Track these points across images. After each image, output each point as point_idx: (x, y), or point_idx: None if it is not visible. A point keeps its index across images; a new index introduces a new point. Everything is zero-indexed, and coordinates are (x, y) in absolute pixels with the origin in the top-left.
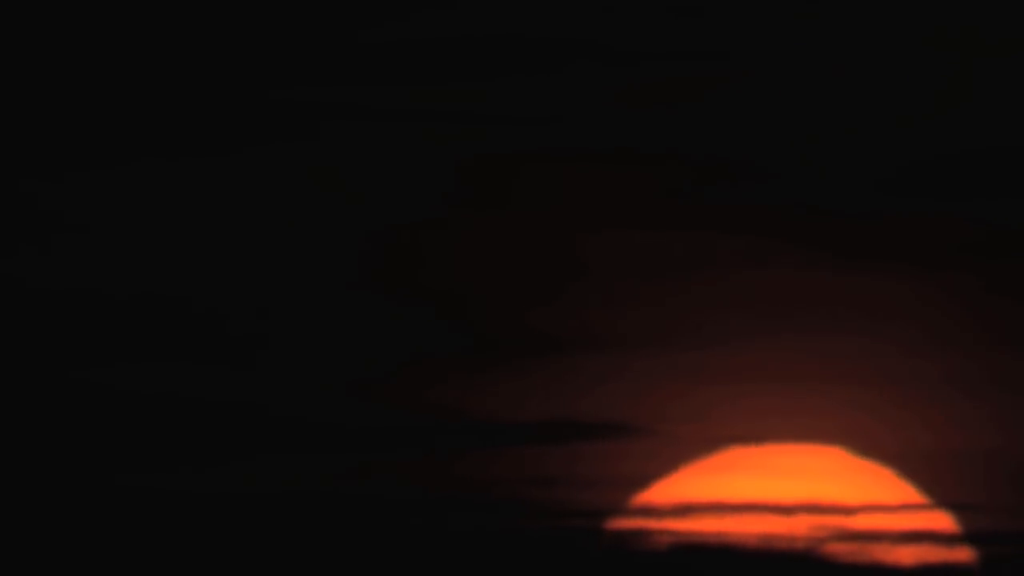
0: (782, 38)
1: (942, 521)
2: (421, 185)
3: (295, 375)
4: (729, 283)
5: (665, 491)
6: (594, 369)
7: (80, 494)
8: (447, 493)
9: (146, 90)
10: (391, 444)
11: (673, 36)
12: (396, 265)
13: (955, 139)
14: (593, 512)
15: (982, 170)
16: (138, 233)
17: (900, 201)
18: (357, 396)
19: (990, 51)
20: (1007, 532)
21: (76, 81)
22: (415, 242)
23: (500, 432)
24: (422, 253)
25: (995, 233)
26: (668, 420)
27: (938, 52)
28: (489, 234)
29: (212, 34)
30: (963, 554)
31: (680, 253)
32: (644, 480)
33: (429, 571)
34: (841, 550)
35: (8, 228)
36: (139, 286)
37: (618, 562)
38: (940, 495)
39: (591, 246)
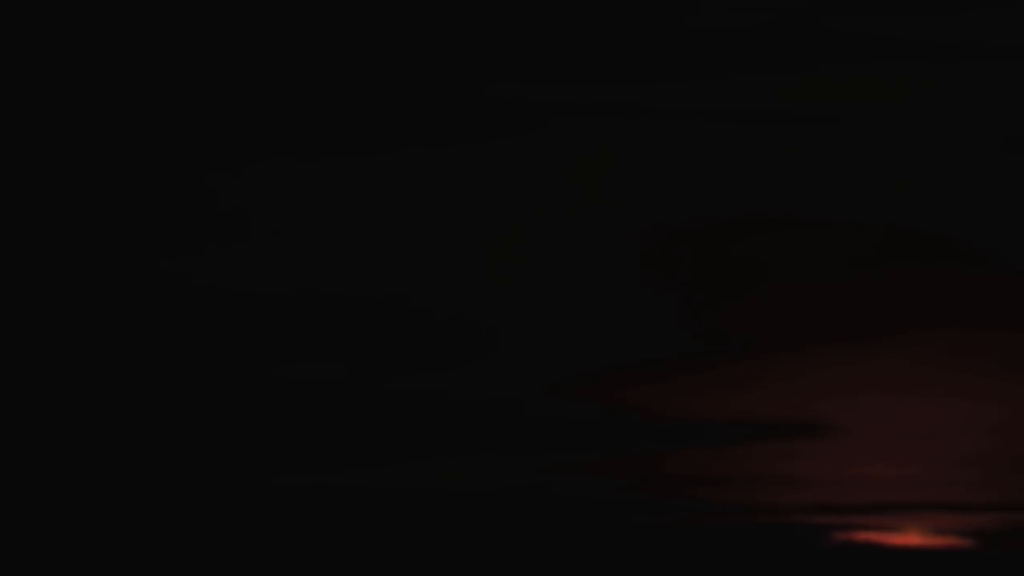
0: None
1: None
2: (674, 186)
3: (504, 374)
4: (912, 283)
5: (844, 489)
6: (777, 369)
7: (276, 492)
8: (636, 492)
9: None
10: (585, 443)
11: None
12: (629, 267)
13: None
14: (773, 510)
15: None
16: (354, 230)
17: None
18: (561, 395)
19: None
20: None
21: (301, 71)
22: (654, 244)
23: (689, 432)
24: (657, 255)
25: None
26: (851, 419)
27: None
28: (714, 238)
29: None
30: None
31: (869, 253)
32: (824, 479)
33: (616, 569)
34: (1019, 548)
35: (216, 225)
36: (355, 285)
37: (799, 561)
38: None
39: (785, 248)
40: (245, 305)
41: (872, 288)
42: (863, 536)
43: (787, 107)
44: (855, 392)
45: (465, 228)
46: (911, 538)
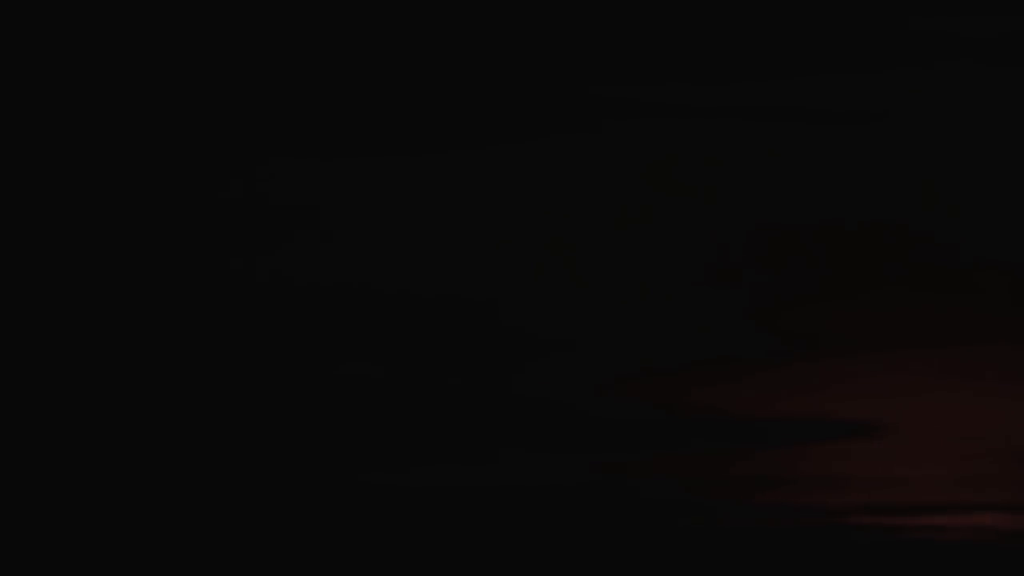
0: None
1: None
2: (748, 186)
3: (572, 373)
4: (978, 291)
5: (902, 491)
6: (841, 371)
7: (336, 490)
8: (694, 492)
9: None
10: (647, 442)
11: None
12: (701, 266)
13: None
14: (831, 511)
15: None
16: (416, 228)
17: None
18: (627, 394)
19: None
20: None
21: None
22: (727, 244)
23: (750, 432)
24: (730, 255)
25: None
26: (911, 421)
27: None
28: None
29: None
30: None
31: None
32: (883, 481)
33: (672, 569)
34: None
35: (279, 223)
36: (416, 284)
37: (854, 562)
38: None
39: (856, 252)
40: (306, 302)
41: (940, 294)
42: (921, 536)
43: (865, 107)
44: (917, 395)
45: (532, 226)
46: (966, 536)
